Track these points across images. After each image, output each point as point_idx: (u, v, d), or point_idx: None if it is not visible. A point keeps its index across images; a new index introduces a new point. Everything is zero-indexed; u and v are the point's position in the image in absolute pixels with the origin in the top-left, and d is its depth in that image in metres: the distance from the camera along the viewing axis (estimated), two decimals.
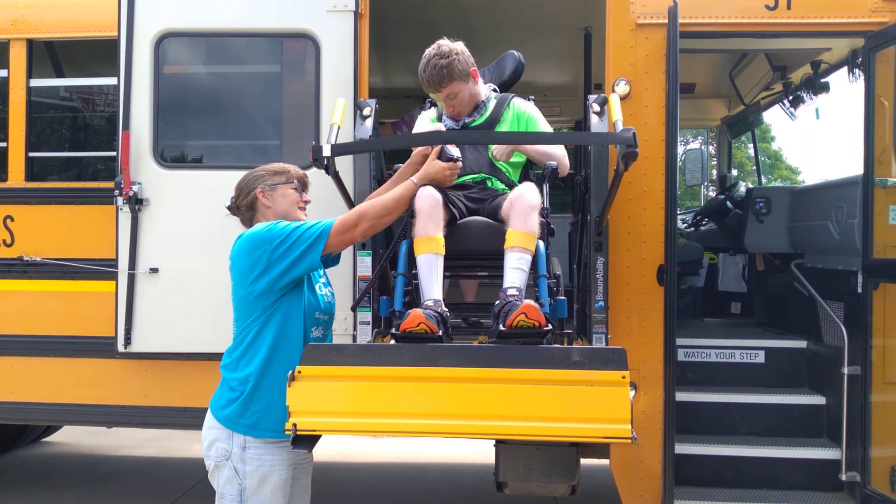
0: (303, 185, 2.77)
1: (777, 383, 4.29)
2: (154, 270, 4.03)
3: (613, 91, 3.69)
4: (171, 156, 4.13)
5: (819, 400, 4.12)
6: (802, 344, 4.38)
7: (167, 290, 4.01)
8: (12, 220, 4.31)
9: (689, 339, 4.33)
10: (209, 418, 2.61)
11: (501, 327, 2.36)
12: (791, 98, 5.20)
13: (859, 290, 3.74)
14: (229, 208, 2.77)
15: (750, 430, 4.12)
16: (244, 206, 2.71)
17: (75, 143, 5.52)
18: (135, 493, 5.37)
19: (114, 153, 4.12)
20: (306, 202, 2.78)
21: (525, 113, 3.24)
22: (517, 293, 2.50)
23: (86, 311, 4.25)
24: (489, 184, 3.18)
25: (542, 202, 2.87)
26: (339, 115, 3.33)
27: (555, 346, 2.42)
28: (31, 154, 4.39)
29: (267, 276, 2.50)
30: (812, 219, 4.42)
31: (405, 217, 2.84)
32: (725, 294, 5.66)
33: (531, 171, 3.40)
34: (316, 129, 3.94)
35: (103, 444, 6.80)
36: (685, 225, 6.29)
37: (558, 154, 3.15)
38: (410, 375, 2.31)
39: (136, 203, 3.98)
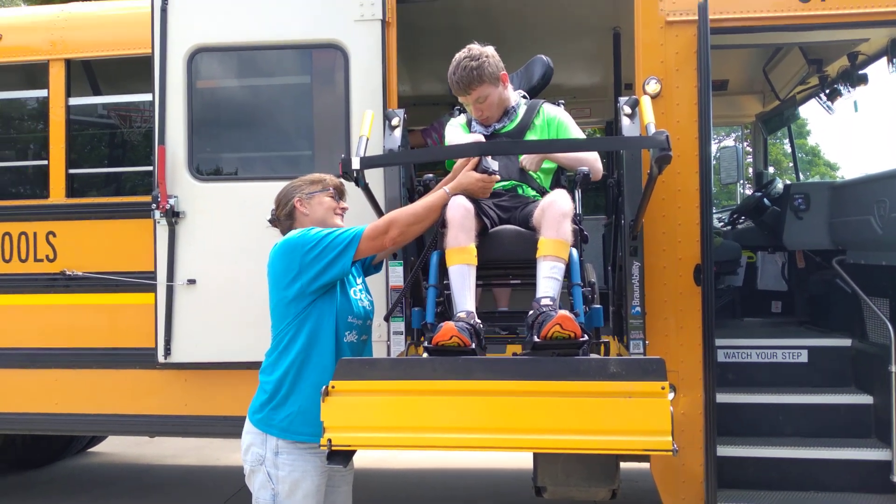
0: (339, 193, 2.83)
1: (821, 383, 4.19)
2: (192, 282, 4.09)
3: (644, 90, 3.65)
4: (205, 169, 4.20)
5: (866, 399, 4.01)
6: (847, 342, 4.27)
7: (204, 300, 4.07)
8: (54, 235, 4.42)
9: (729, 339, 4.25)
10: (247, 423, 2.66)
11: (536, 339, 2.33)
12: (828, 91, 5.08)
13: None
14: (270, 221, 2.85)
15: (794, 431, 4.02)
16: (283, 217, 2.79)
17: (113, 159, 5.65)
18: (178, 501, 5.46)
19: (150, 168, 4.21)
20: (343, 209, 2.83)
21: (555, 118, 3.21)
22: (551, 303, 2.46)
23: (126, 323, 4.34)
24: (520, 191, 3.15)
25: (575, 208, 2.82)
26: (368, 126, 3.32)
27: (591, 357, 2.37)
28: (72, 171, 4.50)
29: (299, 281, 2.55)
30: (853, 214, 4.31)
31: (436, 227, 2.82)
32: (765, 293, 5.55)
33: (563, 175, 3.38)
34: (346, 139, 3.98)
35: (147, 454, 6.93)
36: (722, 224, 6.19)
37: (590, 159, 3.11)
38: (444, 389, 2.28)
39: (173, 216, 4.05)
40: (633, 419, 2.17)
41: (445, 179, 2.93)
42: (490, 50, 3.08)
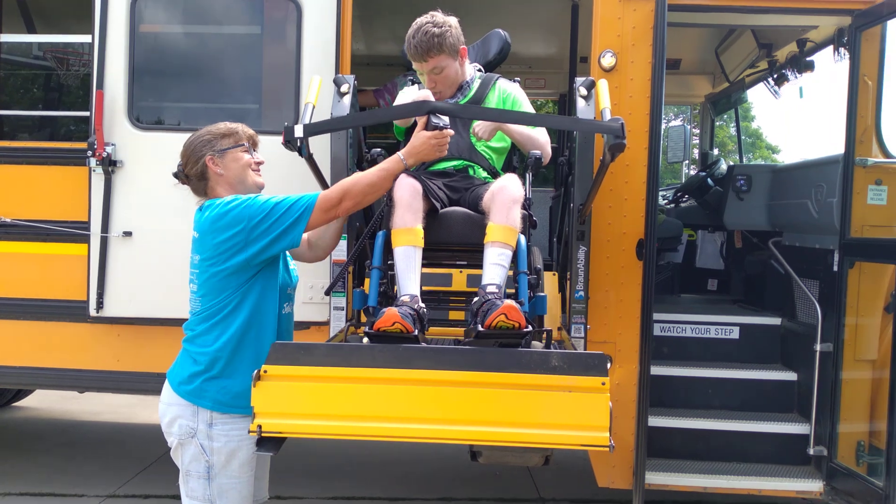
0: (253, 145, 2.61)
1: (750, 359, 4.35)
2: (127, 234, 3.95)
3: (599, 63, 3.66)
4: (146, 117, 4.03)
5: (791, 376, 4.18)
6: (777, 321, 4.43)
7: (141, 254, 3.95)
8: None
9: (666, 314, 4.37)
10: (169, 393, 2.52)
11: (480, 327, 2.29)
12: (776, 76, 5.19)
13: (835, 268, 3.78)
14: (176, 176, 2.60)
15: (722, 404, 4.17)
16: (195, 176, 2.55)
17: (48, 102, 5.38)
18: (107, 458, 5.34)
19: (87, 113, 4.01)
20: (259, 163, 2.61)
21: (511, 95, 3.15)
22: (496, 290, 2.43)
23: (58, 274, 4.16)
24: (471, 172, 3.09)
25: (525, 194, 2.78)
26: (315, 93, 3.19)
27: (533, 350, 2.35)
28: (1, 112, 4.26)
29: (244, 254, 2.41)
30: (792, 197, 4.45)
31: (382, 203, 2.74)
32: (702, 271, 5.70)
33: (514, 156, 3.34)
34: (296, 95, 3.87)
35: (75, 410, 6.74)
36: (665, 201, 6.31)
37: (541, 141, 3.05)
38: (383, 377, 2.23)
39: (110, 165, 3.89)
40: (572, 413, 2.17)
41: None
42: (454, 21, 2.99)
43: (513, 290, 2.67)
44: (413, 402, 2.22)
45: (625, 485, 3.76)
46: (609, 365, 3.74)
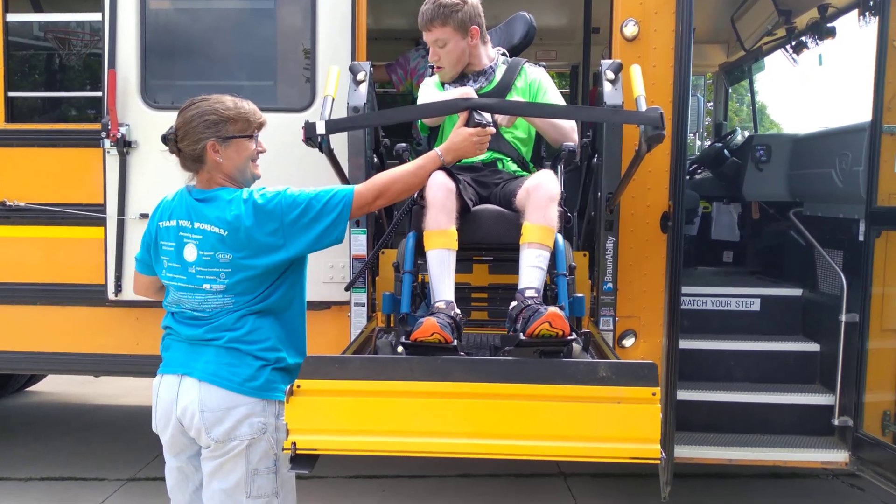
0: (259, 130, 2.40)
1: (772, 331, 4.32)
2: (144, 216, 3.89)
3: (622, 33, 3.58)
4: (159, 97, 3.96)
5: (813, 347, 4.16)
6: (798, 292, 4.40)
7: None
8: None
9: (685, 286, 4.29)
10: (225, 397, 2.29)
11: (522, 336, 2.19)
12: (794, 44, 5.11)
13: (860, 237, 3.73)
14: (165, 141, 2.36)
15: (744, 376, 4.16)
16: (189, 156, 2.31)
17: (59, 83, 5.30)
18: (127, 441, 5.34)
19: (99, 94, 3.94)
20: (260, 152, 2.40)
21: (537, 80, 3.06)
22: (536, 295, 2.35)
23: (74, 257, 4.12)
24: (499, 165, 3.00)
25: (560, 189, 2.68)
26: (334, 84, 3.09)
27: (580, 360, 2.25)
28: (11, 94, 4.18)
29: (285, 251, 2.28)
30: (815, 167, 4.39)
31: (408, 200, 2.65)
32: (718, 243, 5.66)
33: (542, 146, 3.26)
34: (312, 70, 3.80)
35: (89, 394, 6.75)
36: None
37: (567, 128, 2.95)
38: (421, 391, 2.12)
39: (124, 146, 3.84)
40: (621, 425, 2.07)
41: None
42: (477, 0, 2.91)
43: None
44: (453, 416, 2.11)
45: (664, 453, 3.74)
46: (634, 340, 3.79)
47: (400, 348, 2.24)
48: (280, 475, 2.37)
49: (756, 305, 4.40)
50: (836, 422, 3.88)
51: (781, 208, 4.77)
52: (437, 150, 2.49)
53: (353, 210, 2.32)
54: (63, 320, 4.19)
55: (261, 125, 2.39)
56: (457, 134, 2.48)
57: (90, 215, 3.97)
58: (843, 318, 3.84)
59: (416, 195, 2.61)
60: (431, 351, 2.19)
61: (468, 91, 2.81)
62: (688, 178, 6.00)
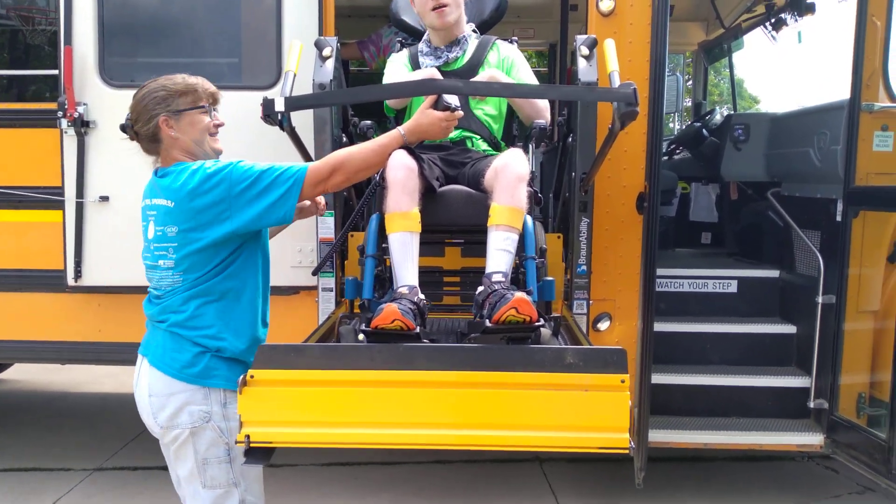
0: (213, 103, 2.33)
1: (749, 313, 4.28)
2: (104, 199, 3.77)
3: (597, 7, 3.48)
4: (119, 75, 3.79)
5: (790, 329, 4.12)
6: (775, 273, 4.36)
7: (119, 219, 3.76)
8: None
9: (662, 268, 4.24)
10: (167, 383, 2.26)
11: (488, 322, 2.11)
12: (773, 21, 5.03)
13: (838, 218, 3.68)
14: (124, 130, 2.34)
15: (721, 359, 4.12)
16: (146, 136, 2.28)
17: (16, 63, 5.10)
18: (94, 430, 5.22)
19: (56, 72, 3.78)
20: (217, 126, 2.34)
21: (509, 57, 2.96)
22: (503, 279, 2.25)
23: (33, 242, 3.97)
24: (469, 144, 2.90)
25: (530, 168, 2.58)
26: (296, 59, 2.96)
27: (546, 346, 2.17)
28: None
29: (229, 224, 2.19)
30: (793, 146, 4.33)
31: (374, 181, 2.53)
32: (696, 224, 5.61)
33: (514, 124, 3.16)
34: (277, 46, 3.66)
35: (58, 381, 6.60)
36: None
37: (541, 106, 2.86)
38: (383, 380, 2.03)
39: (82, 126, 3.69)
40: (589, 414, 1.99)
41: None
42: None
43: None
44: (416, 406, 2.03)
45: (633, 443, 3.70)
46: (609, 324, 3.73)
47: (361, 336, 2.15)
48: (237, 465, 2.30)
49: (733, 287, 4.36)
50: (811, 404, 3.86)
51: (760, 188, 4.71)
52: (401, 128, 2.38)
53: (306, 186, 2.22)
54: (24, 307, 4.05)
55: (212, 96, 2.32)
56: (424, 115, 2.36)
57: (47, 198, 3.82)
58: (820, 299, 3.80)
59: (378, 176, 2.50)
60: (393, 339, 2.09)
61: (432, 72, 2.73)
62: (666, 158, 5.95)
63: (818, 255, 3.85)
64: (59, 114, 3.66)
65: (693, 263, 4.57)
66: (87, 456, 4.69)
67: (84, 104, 3.70)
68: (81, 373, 6.71)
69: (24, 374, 6.78)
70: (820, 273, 3.82)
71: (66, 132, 3.71)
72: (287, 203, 2.20)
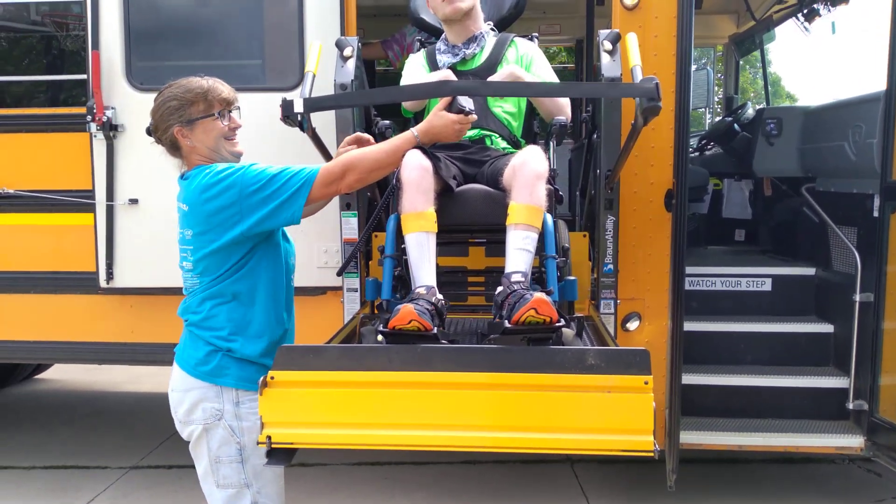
0: (227, 107, 2.32)
1: (784, 312, 4.17)
2: (133, 201, 3.83)
3: (622, 1, 3.42)
4: (146, 78, 3.85)
5: (827, 328, 4.01)
6: (811, 271, 4.24)
7: (148, 221, 3.82)
8: None
9: (694, 267, 4.19)
10: (184, 379, 2.32)
11: (507, 323, 2.07)
12: (806, 11, 4.90)
13: (875, 213, 3.56)
14: (149, 133, 2.38)
15: (755, 359, 4.03)
16: (166, 144, 2.34)
17: (51, 69, 5.22)
18: (131, 428, 5.32)
19: (84, 76, 3.85)
20: (234, 129, 2.34)
21: (528, 54, 2.92)
22: (522, 279, 2.22)
23: (66, 245, 4.05)
24: (488, 142, 2.87)
25: (550, 165, 2.53)
26: (315, 60, 2.97)
27: (567, 347, 2.14)
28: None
29: (239, 227, 2.21)
30: (827, 140, 4.20)
31: (392, 179, 2.52)
32: (729, 221, 5.50)
33: (535, 122, 3.11)
34: (300, 48, 3.67)
35: (99, 380, 6.74)
36: (690, 149, 6.07)
37: (562, 103, 2.82)
38: (401, 381, 2.02)
39: (111, 129, 3.75)
40: (611, 416, 1.95)
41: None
42: None
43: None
44: (434, 408, 2.01)
45: (657, 445, 3.64)
46: (638, 323, 3.67)
47: (380, 337, 2.14)
48: (250, 466, 2.32)
49: (767, 285, 4.26)
50: (850, 405, 3.75)
51: (794, 184, 4.59)
52: (414, 130, 2.37)
53: (317, 187, 2.22)
54: (59, 309, 4.14)
55: (223, 101, 2.31)
56: (438, 117, 2.36)
57: (78, 201, 3.89)
58: (858, 297, 3.69)
59: (394, 177, 2.49)
60: (410, 339, 2.08)
61: (447, 74, 2.71)
62: (698, 153, 5.84)
63: (855, 251, 3.74)
64: (88, 118, 3.73)
65: (726, 261, 4.47)
66: (124, 454, 4.78)
67: (112, 108, 3.76)
68: (121, 373, 6.84)
69: (65, 374, 6.94)
70: (857, 270, 3.70)
71: (95, 136, 3.78)
72: (294, 204, 2.21)
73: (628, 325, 3.67)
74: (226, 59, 3.93)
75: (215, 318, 2.30)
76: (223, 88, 2.32)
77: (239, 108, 2.38)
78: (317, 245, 3.74)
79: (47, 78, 4.31)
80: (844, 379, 3.79)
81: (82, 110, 3.77)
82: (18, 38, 5.00)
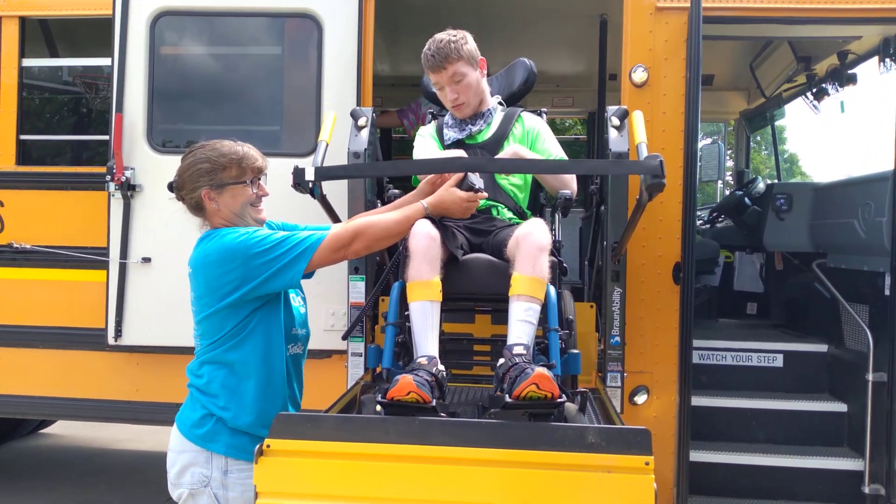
0: (257, 175, 2.34)
1: (796, 389, 4.11)
2: (146, 260, 3.87)
3: (630, 79, 3.50)
4: (166, 141, 3.96)
5: (840, 407, 3.93)
6: (823, 348, 4.18)
7: (160, 280, 3.85)
8: (2, 205, 4.15)
9: (704, 340, 4.14)
10: (179, 440, 2.30)
11: (507, 398, 2.03)
12: (815, 90, 4.98)
13: (887, 292, 3.54)
14: (171, 189, 2.36)
15: (767, 437, 3.94)
16: (191, 205, 2.32)
17: (72, 126, 5.39)
18: (130, 487, 5.25)
19: (107, 137, 3.96)
20: (261, 196, 2.34)
21: (534, 129, 2.97)
22: (524, 352, 2.20)
23: (77, 301, 4.09)
24: (494, 213, 2.89)
25: (554, 236, 2.56)
26: (329, 129, 3.06)
27: (567, 424, 2.11)
28: (23, 137, 4.23)
29: (239, 291, 2.20)
30: (836, 216, 4.22)
31: (399, 248, 2.56)
32: (741, 294, 5.46)
33: (541, 194, 3.17)
34: (317, 115, 3.77)
35: (100, 437, 6.67)
36: (700, 222, 6.09)
37: (565, 177, 2.84)
38: (397, 454, 1.98)
39: (129, 189, 3.83)
40: (612, 496, 1.91)
41: (407, 197, 2.65)
42: (468, 34, 2.86)
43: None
44: (431, 482, 1.96)
45: None
46: (646, 397, 3.61)
47: (378, 407, 2.11)
48: None
49: (779, 361, 4.20)
50: (866, 489, 3.64)
51: (805, 259, 4.58)
52: (424, 202, 2.42)
53: (325, 251, 2.24)
54: (66, 364, 4.16)
55: (256, 170, 2.34)
56: (448, 193, 2.42)
57: (92, 258, 3.95)
58: (871, 377, 3.63)
59: (402, 244, 2.51)
60: (409, 411, 2.04)
61: (461, 152, 2.75)
62: (708, 226, 5.85)
63: (867, 330, 3.69)
64: (108, 177, 3.81)
65: (736, 335, 4.42)
66: None
67: (132, 168, 3.85)
68: (123, 430, 6.76)
69: (68, 430, 6.88)
70: (869, 349, 3.65)
71: (113, 195, 3.85)
72: (294, 268, 2.21)
73: (636, 398, 3.62)
74: (244, 125, 4.04)
75: (212, 383, 2.30)
76: (257, 156, 2.34)
77: (267, 175, 2.40)
78: (324, 307, 3.74)
79: (72, 138, 4.44)
80: (859, 461, 3.69)
81: (103, 169, 3.86)
82: (49, 97, 5.18)
